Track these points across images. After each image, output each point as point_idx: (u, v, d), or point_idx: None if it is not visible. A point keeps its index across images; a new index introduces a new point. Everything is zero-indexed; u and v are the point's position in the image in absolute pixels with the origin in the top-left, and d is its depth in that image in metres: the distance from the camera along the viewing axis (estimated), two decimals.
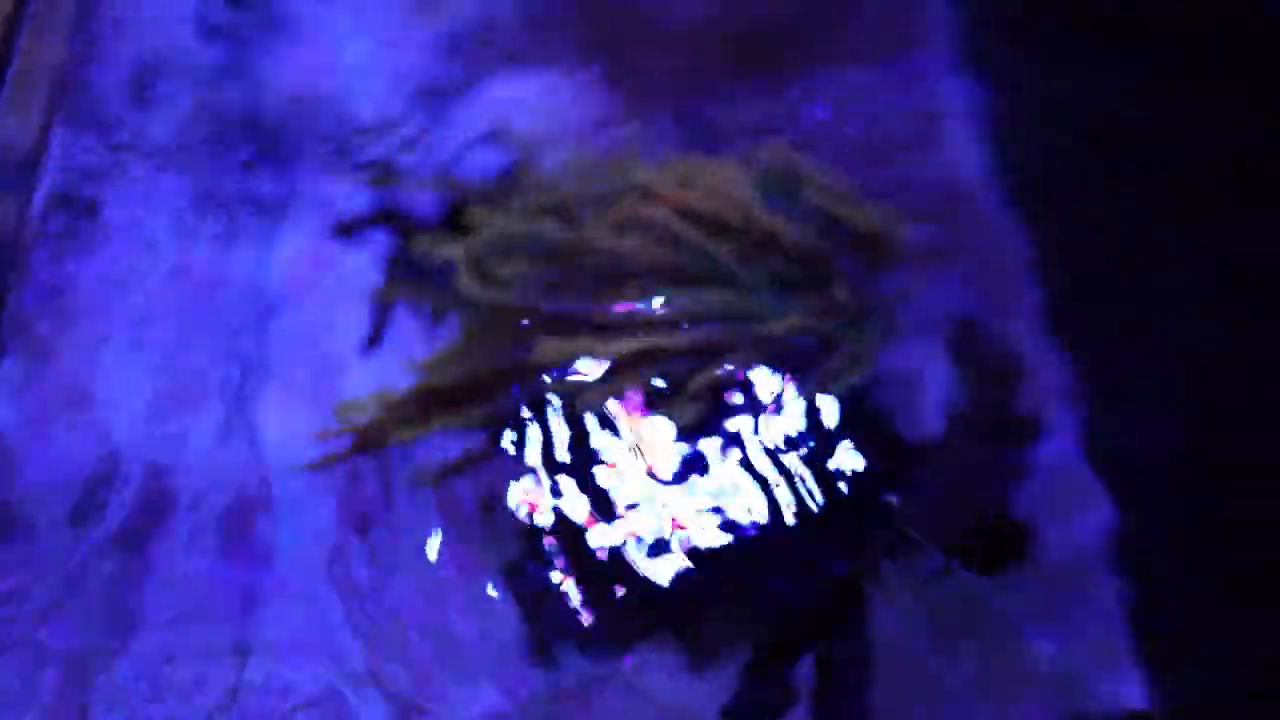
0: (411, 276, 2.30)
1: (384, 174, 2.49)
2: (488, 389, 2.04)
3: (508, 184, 2.34)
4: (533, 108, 2.63)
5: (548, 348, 2.00)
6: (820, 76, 2.77)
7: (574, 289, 2.08)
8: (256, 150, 2.70)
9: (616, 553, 2.04)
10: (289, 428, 2.36)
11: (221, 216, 2.63)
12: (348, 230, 2.42)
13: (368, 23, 2.85)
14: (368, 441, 2.14)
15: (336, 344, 2.42)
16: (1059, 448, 2.32)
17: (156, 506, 2.36)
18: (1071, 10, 2.82)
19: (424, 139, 2.59)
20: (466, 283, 2.05)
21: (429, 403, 2.06)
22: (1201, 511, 2.28)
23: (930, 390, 2.26)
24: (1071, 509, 2.27)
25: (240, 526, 2.33)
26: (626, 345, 2.01)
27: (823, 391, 2.06)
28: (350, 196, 2.52)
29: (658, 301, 2.05)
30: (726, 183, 2.10)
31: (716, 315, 2.05)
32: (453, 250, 2.14)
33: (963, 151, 2.70)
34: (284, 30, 2.84)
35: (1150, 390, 2.40)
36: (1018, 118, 2.72)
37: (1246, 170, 2.57)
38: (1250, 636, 2.16)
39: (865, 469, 2.10)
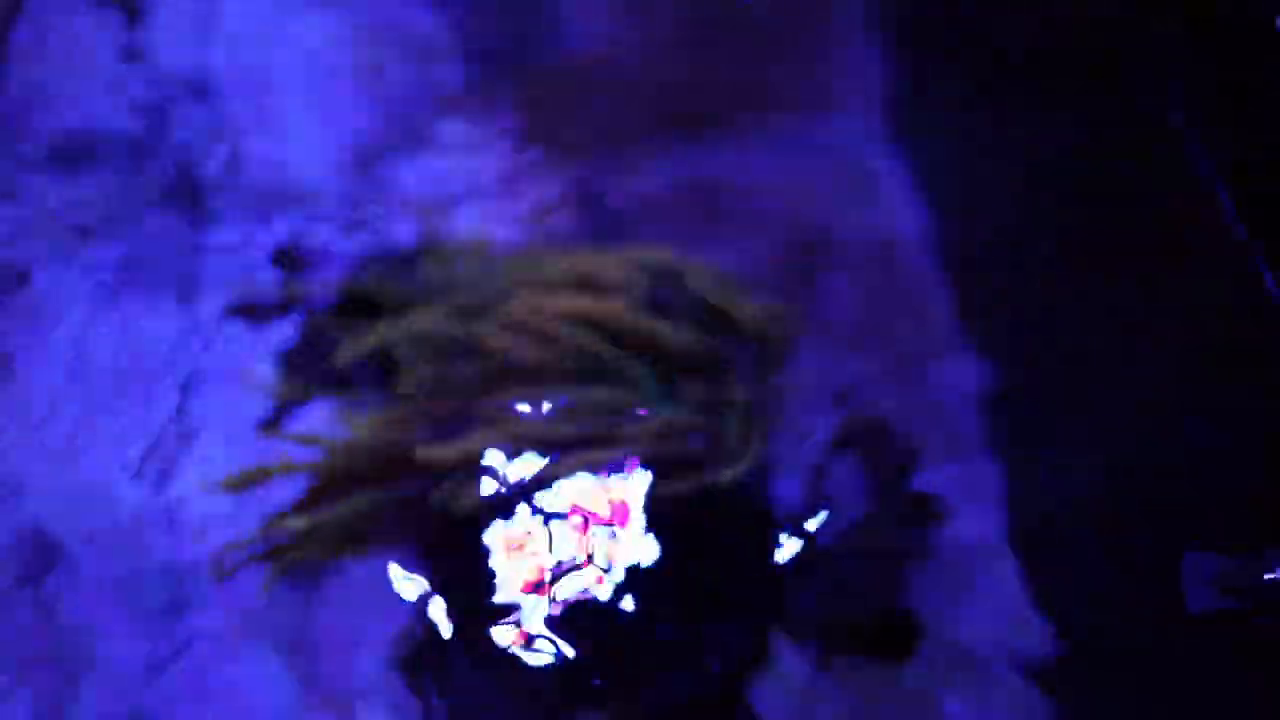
0: (314, 364, 2.34)
1: (294, 256, 2.53)
2: (374, 489, 2.07)
3: (413, 274, 2.38)
4: (448, 191, 2.68)
5: (434, 450, 2.05)
6: (743, 137, 2.82)
7: (466, 387, 2.12)
8: (180, 219, 2.73)
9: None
10: (206, 500, 2.40)
11: (145, 284, 2.66)
12: (253, 314, 2.45)
13: (290, 101, 2.91)
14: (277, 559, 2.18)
15: (255, 415, 2.46)
16: (971, 525, 2.36)
17: (69, 575, 2.40)
18: (999, 62, 2.87)
19: (342, 219, 2.62)
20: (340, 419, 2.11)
21: (318, 500, 2.10)
22: (1122, 577, 2.32)
23: (827, 476, 2.29)
24: (980, 587, 2.30)
25: (155, 598, 2.37)
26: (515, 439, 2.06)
27: (707, 485, 2.10)
28: (267, 273, 2.57)
29: (547, 400, 2.10)
30: (615, 280, 2.14)
31: (605, 411, 2.08)
32: (353, 348, 2.19)
33: (889, 212, 2.75)
34: (208, 98, 2.89)
35: (1075, 455, 2.44)
36: (946, 175, 2.77)
37: (1173, 223, 2.61)
38: (1167, 694, 2.19)
39: (747, 560, 2.13)
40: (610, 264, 2.17)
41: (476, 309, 2.18)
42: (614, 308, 2.08)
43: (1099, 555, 2.32)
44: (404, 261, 2.42)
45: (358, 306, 2.34)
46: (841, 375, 2.42)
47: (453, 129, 2.81)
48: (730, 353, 2.11)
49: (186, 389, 2.52)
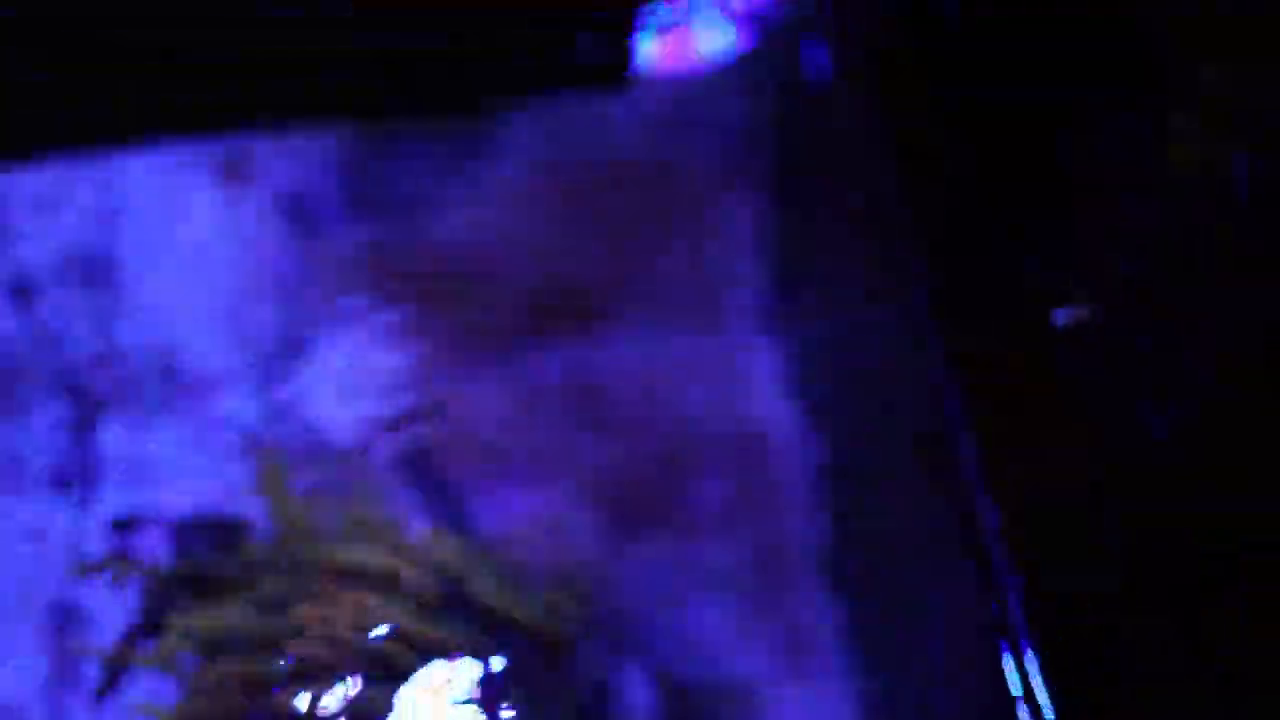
0: (141, 637, 2.47)
1: (131, 524, 2.66)
2: None
3: (236, 550, 2.49)
4: (297, 432, 2.80)
5: None
6: (615, 334, 2.93)
7: (263, 682, 2.24)
8: (61, 414, 2.83)
9: None
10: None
11: (30, 479, 2.76)
12: (85, 571, 2.57)
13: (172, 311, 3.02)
14: None
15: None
16: None
17: None
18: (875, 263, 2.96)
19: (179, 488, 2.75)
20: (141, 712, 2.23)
21: None
22: None
23: None
24: None
25: None
26: None
27: None
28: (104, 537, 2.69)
29: (331, 700, 2.22)
30: (406, 578, 2.25)
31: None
32: (170, 638, 2.32)
33: (761, 409, 2.84)
34: (95, 292, 2.99)
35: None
36: (818, 371, 2.85)
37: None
38: None
39: None
40: (406, 558, 2.28)
41: (281, 601, 2.30)
42: (400, 612, 2.19)
43: None
44: (230, 532, 2.54)
45: (187, 581, 2.47)
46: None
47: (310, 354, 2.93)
48: (512, 656, 2.22)
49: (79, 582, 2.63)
